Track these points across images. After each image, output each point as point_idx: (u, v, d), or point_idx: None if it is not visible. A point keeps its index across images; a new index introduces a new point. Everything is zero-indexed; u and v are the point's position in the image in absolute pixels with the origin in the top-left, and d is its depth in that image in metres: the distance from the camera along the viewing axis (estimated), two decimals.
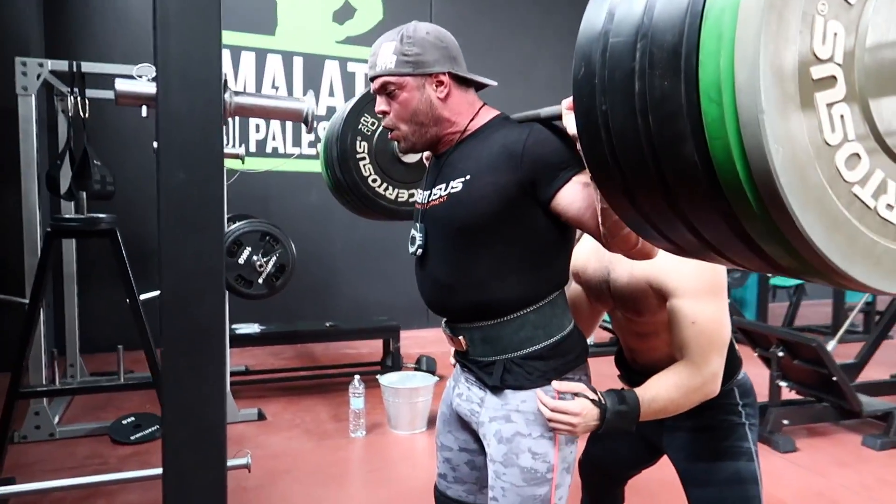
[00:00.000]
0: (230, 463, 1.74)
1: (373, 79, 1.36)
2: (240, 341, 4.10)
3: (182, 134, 0.76)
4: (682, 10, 0.63)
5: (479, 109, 1.39)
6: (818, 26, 0.57)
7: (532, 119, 1.30)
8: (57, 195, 3.35)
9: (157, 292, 3.05)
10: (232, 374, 4.11)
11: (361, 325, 4.59)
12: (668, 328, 1.42)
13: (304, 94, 5.65)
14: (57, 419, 3.42)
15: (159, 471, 1.71)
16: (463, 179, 1.31)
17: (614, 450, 1.74)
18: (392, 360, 4.34)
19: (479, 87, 1.42)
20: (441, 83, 1.34)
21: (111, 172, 3.34)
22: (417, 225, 1.42)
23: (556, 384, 1.30)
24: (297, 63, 5.60)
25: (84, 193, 2.78)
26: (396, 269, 5.55)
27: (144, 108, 1.86)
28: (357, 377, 3.48)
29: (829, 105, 0.59)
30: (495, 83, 1.41)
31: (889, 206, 0.62)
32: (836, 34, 0.58)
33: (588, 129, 0.78)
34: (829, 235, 0.59)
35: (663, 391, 1.33)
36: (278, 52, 5.54)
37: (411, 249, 1.42)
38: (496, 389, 1.35)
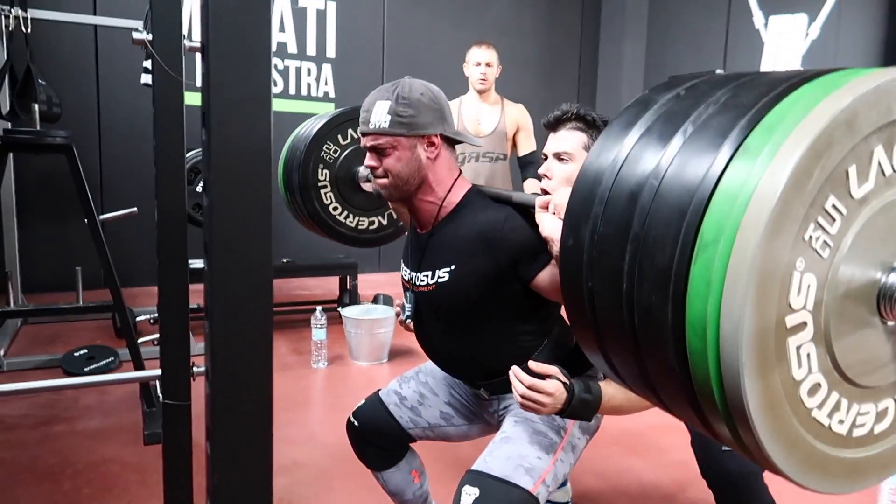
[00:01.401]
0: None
1: (364, 134, 1.39)
2: (194, 276, 4.00)
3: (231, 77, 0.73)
4: (674, 235, 0.65)
5: (456, 180, 1.44)
6: (795, 281, 0.63)
7: (504, 200, 1.38)
8: None
9: (113, 213, 2.92)
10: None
11: (319, 262, 4.56)
12: None
13: None
14: (2, 352, 3.29)
15: (157, 372, 1.69)
16: (448, 269, 1.39)
17: None
18: (350, 298, 4.35)
19: (457, 143, 1.47)
20: (433, 144, 1.38)
21: (57, 94, 3.17)
22: (407, 295, 1.51)
23: (531, 363, 1.31)
24: None
25: (36, 114, 2.64)
26: None
27: (148, 76, 1.84)
28: (319, 308, 3.47)
29: (798, 347, 0.65)
30: (480, 143, 1.48)
31: (840, 422, 0.70)
32: (809, 286, 0.64)
33: (572, 294, 0.79)
34: (787, 452, 0.66)
35: (621, 391, 1.33)
36: None
37: (402, 316, 1.52)
38: None
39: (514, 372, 1.30)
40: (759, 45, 7.22)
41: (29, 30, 2.98)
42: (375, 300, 4.53)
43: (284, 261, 4.33)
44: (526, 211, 1.35)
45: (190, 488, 1.79)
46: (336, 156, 1.93)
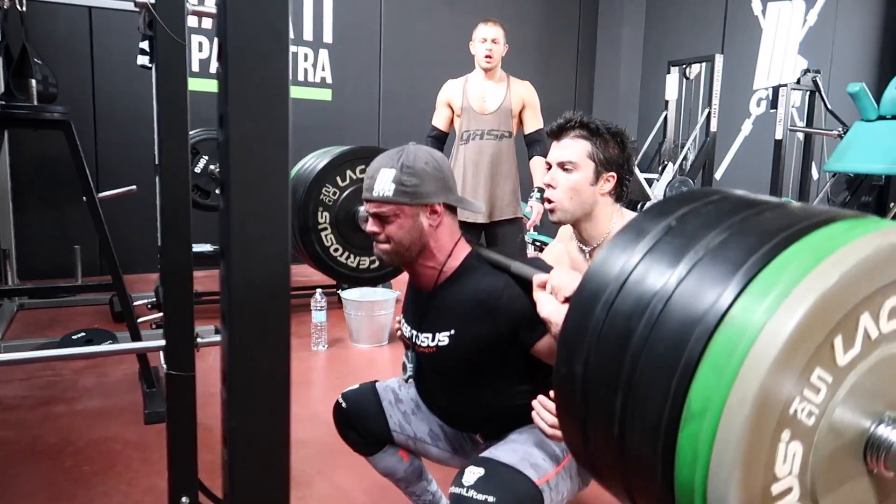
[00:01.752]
0: (218, 338, 1.70)
1: (368, 201, 1.40)
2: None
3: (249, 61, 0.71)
4: (663, 396, 0.65)
5: (456, 244, 1.44)
6: (780, 452, 0.63)
7: (503, 268, 1.39)
8: None
9: (112, 191, 2.90)
10: None
11: None
12: None
13: None
14: None
15: (161, 342, 1.68)
16: (448, 334, 1.39)
17: None
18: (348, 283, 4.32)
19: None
20: (435, 212, 1.39)
21: (53, 74, 3.13)
22: (408, 354, 1.51)
23: (541, 398, 1.25)
24: None
25: (34, 89, 2.60)
26: None
27: (144, 58, 1.82)
28: (319, 290, 3.45)
29: None
30: (481, 208, 1.47)
31: None
32: (794, 454, 0.64)
33: (567, 417, 0.79)
34: None
35: None
36: None
37: (404, 376, 1.53)
38: None
39: (541, 401, 1.23)
40: (758, 30, 7.22)
41: (24, 8, 2.94)
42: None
43: None
44: (523, 281, 1.35)
45: (194, 462, 1.77)
46: (335, 198, 1.93)
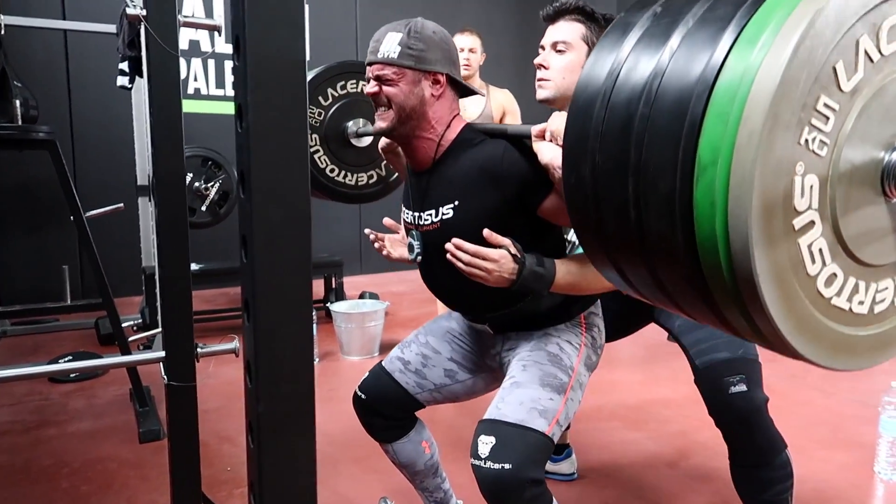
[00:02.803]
0: (218, 347, 1.70)
1: (371, 63, 1.40)
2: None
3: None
4: (672, 162, 0.66)
5: (453, 119, 1.45)
6: (797, 185, 0.64)
7: (499, 134, 1.40)
8: None
9: (100, 209, 2.88)
10: None
11: None
12: None
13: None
14: None
15: (160, 353, 1.67)
16: (452, 206, 1.40)
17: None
18: (336, 296, 4.32)
19: (463, 94, 1.50)
20: (438, 82, 1.40)
21: (33, 96, 3.11)
22: (414, 233, 1.50)
23: (485, 231, 1.32)
24: None
25: (18, 110, 2.59)
26: (331, 214, 5.48)
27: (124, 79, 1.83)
28: None
29: (809, 245, 0.67)
30: (483, 93, 1.48)
31: (861, 303, 0.72)
32: (811, 186, 0.65)
33: (581, 224, 0.81)
34: (812, 341, 0.68)
35: (576, 266, 1.36)
36: None
37: (411, 256, 1.52)
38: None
39: (455, 241, 1.31)
40: None
41: (2, 31, 2.92)
42: (362, 296, 4.51)
43: None
44: (521, 142, 1.36)
45: (198, 475, 1.75)
46: (321, 118, 1.93)
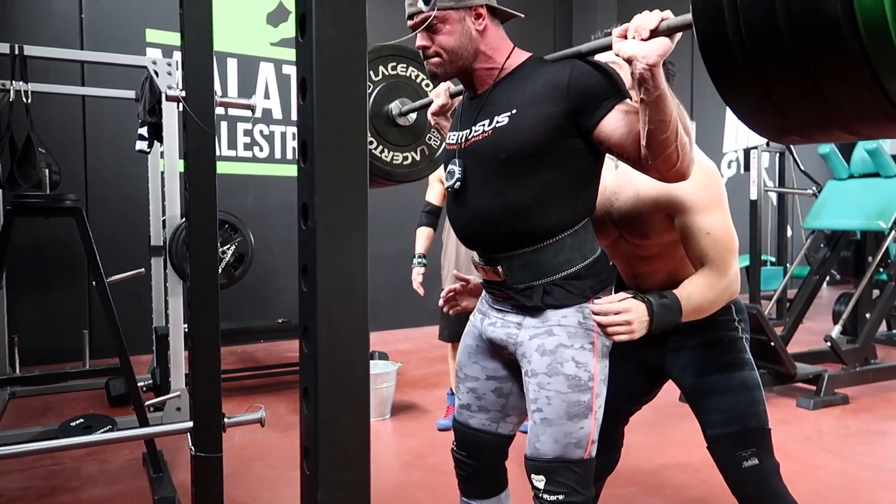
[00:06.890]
0: (245, 417, 1.71)
1: (412, 15, 1.41)
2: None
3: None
4: None
5: (513, 49, 1.46)
6: None
7: (571, 56, 1.38)
8: None
9: (121, 275, 2.92)
10: None
11: None
12: (671, 249, 1.55)
13: (239, 95, 5.57)
14: None
15: (188, 423, 1.68)
16: (509, 114, 1.38)
17: (616, 385, 1.83)
18: None
19: (505, 19, 1.49)
20: (479, 16, 1.41)
21: (56, 161, 3.19)
22: (456, 160, 1.47)
23: (595, 304, 1.38)
24: (232, 64, 5.52)
25: (46, 178, 2.66)
26: None
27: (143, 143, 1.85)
28: None
29: None
30: (522, 15, 1.50)
31: None
32: None
33: (717, 45, 0.86)
34: None
35: (696, 290, 1.44)
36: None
37: (449, 182, 1.48)
38: (536, 310, 1.42)
39: (593, 307, 1.38)
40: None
41: (30, 100, 3.02)
42: (372, 357, 4.51)
43: (280, 321, 4.30)
44: (594, 62, 1.36)
45: None
46: (369, 92, 1.94)
